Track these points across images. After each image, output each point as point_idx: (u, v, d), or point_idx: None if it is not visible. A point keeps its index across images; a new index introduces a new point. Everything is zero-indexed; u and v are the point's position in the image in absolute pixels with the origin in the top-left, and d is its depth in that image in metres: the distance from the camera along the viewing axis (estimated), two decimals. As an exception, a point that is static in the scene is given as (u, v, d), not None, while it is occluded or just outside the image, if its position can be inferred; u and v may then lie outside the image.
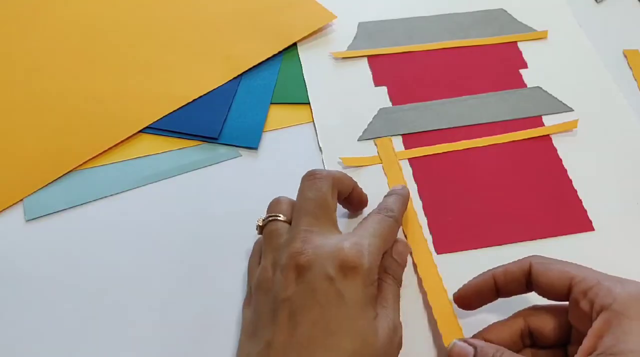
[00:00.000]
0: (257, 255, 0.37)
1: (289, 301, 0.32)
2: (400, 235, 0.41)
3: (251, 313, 0.35)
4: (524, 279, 0.34)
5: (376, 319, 0.33)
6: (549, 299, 0.34)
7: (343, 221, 0.41)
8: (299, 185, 0.37)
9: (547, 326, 0.34)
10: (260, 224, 0.37)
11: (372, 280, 0.33)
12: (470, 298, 0.36)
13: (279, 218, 0.36)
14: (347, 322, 0.31)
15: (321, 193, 0.36)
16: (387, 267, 0.36)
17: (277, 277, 0.33)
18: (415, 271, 0.40)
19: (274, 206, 0.38)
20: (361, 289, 0.32)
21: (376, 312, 0.33)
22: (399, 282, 0.37)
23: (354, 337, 0.31)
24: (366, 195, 0.41)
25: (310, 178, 0.37)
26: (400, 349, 0.34)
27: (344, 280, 0.32)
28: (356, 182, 0.40)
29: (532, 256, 0.35)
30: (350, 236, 0.34)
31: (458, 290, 0.36)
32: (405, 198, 0.40)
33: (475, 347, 0.33)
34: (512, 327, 0.34)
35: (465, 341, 0.34)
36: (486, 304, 0.36)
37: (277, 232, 0.36)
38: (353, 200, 0.40)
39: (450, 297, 0.37)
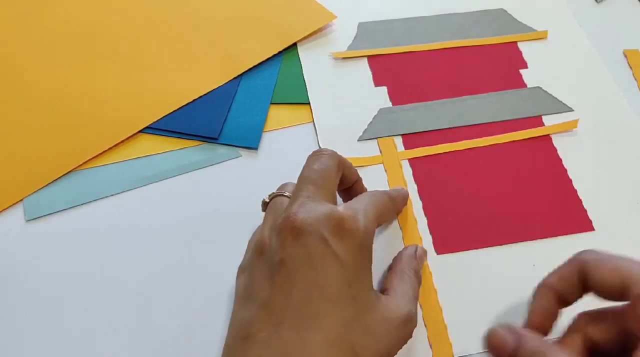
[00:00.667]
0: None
1: (284, 263, 0.32)
2: (399, 238, 0.41)
3: (245, 278, 0.34)
4: (580, 281, 0.30)
5: (387, 299, 0.33)
6: (605, 299, 0.30)
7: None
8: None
9: (606, 336, 0.29)
10: (267, 200, 0.38)
11: (368, 246, 0.33)
12: (544, 323, 0.31)
13: (284, 194, 0.37)
14: (344, 287, 0.31)
15: (326, 166, 0.36)
16: (409, 264, 0.37)
17: (273, 241, 0.33)
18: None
19: (282, 186, 0.38)
20: (357, 252, 0.32)
21: (379, 291, 0.33)
22: (419, 279, 0.37)
23: (351, 303, 0.31)
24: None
25: (316, 153, 0.37)
26: (405, 343, 0.33)
27: (340, 242, 0.31)
28: (361, 177, 0.40)
29: (584, 250, 0.31)
30: (345, 204, 0.34)
31: (528, 322, 0.31)
32: (403, 193, 0.40)
33: (520, 336, 0.29)
34: (572, 348, 0.30)
35: (508, 328, 0.30)
36: (556, 320, 0.31)
37: (280, 205, 0.36)
38: (354, 194, 0.40)
39: (441, 298, 0.38)
